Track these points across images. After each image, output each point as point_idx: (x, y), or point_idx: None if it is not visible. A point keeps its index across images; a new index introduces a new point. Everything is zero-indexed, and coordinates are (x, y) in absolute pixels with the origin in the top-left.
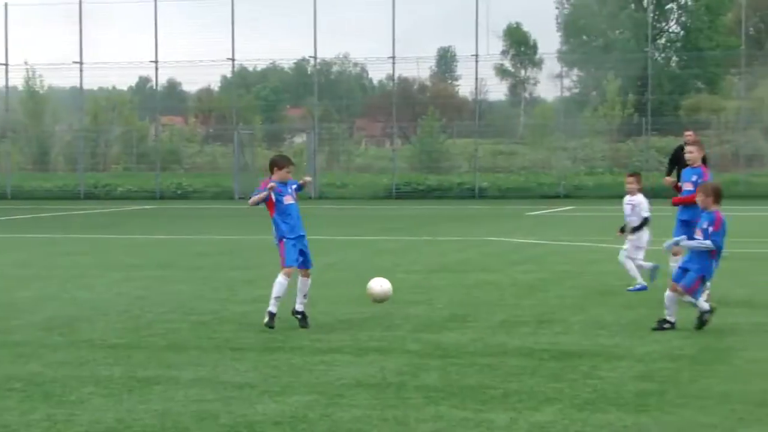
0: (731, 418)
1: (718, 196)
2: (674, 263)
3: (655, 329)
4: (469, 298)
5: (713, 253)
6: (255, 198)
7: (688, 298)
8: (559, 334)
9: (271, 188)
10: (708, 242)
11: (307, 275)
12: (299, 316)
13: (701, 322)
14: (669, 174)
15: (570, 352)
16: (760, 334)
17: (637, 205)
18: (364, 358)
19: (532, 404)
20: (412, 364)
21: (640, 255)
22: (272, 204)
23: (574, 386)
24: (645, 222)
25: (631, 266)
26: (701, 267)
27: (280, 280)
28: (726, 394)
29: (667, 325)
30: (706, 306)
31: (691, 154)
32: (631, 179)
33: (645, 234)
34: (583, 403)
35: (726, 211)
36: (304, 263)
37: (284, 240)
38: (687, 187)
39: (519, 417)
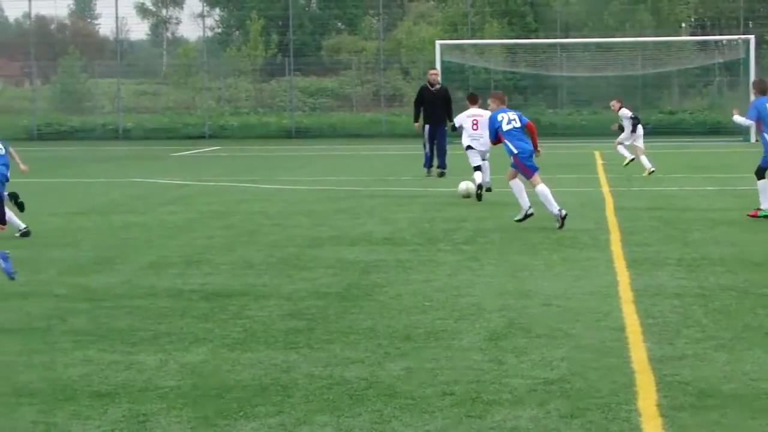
0: (377, 352)
1: None
2: None
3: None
4: (116, 240)
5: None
6: None
7: None
8: (208, 274)
9: None
10: None
11: None
12: None
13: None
14: (417, 118)
15: (219, 292)
16: (401, 271)
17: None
18: (8, 303)
19: (182, 345)
20: (59, 308)
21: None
22: None
23: (224, 326)
24: None
25: None
26: None
27: None
28: (372, 329)
29: None
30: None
31: None
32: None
33: None
34: (233, 342)
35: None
36: None
37: None
38: None
39: (169, 358)
